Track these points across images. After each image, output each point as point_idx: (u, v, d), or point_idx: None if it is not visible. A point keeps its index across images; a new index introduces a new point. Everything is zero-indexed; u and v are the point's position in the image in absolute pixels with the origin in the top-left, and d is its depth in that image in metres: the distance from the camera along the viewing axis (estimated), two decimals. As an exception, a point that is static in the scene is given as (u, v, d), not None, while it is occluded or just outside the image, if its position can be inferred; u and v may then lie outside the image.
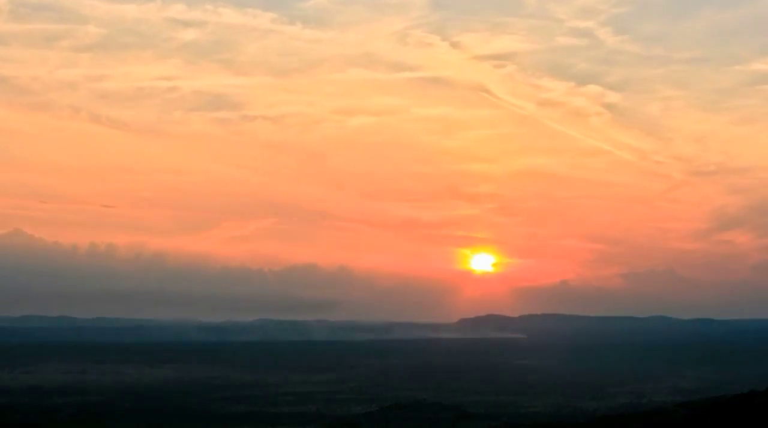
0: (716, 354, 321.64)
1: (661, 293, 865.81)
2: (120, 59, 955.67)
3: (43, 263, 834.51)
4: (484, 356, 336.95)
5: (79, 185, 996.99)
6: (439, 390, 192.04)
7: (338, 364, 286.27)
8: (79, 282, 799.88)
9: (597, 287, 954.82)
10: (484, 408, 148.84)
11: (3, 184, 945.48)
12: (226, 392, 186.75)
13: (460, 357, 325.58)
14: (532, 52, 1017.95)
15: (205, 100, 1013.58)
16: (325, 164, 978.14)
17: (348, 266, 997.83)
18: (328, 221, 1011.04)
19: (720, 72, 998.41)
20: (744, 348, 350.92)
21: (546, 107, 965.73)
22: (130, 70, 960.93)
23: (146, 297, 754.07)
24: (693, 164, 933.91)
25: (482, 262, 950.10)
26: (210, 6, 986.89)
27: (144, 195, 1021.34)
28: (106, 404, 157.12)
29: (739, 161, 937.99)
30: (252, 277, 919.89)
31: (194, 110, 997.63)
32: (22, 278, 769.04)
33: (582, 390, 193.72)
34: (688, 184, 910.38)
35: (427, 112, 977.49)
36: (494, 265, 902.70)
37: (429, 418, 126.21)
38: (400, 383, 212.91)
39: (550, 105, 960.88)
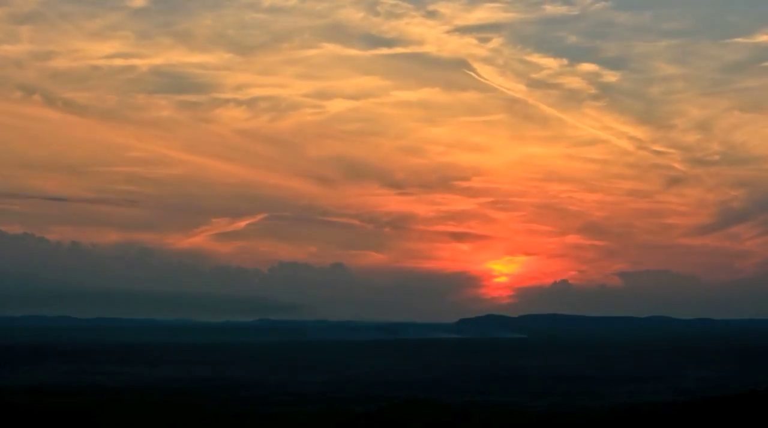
0: (716, 354, 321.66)
1: (661, 292, 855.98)
2: (64, 31, 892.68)
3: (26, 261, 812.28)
4: (485, 356, 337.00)
5: (43, 177, 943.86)
6: (438, 390, 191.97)
7: (338, 364, 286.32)
8: (67, 283, 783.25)
9: (597, 287, 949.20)
10: (484, 408, 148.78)
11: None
12: (226, 392, 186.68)
13: (460, 357, 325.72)
14: (517, 23, 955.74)
15: (166, 81, 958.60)
16: (306, 155, 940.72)
17: (344, 263, 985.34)
18: (320, 216, 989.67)
19: (720, 46, 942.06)
20: (745, 348, 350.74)
21: (538, 88, 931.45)
22: (80, 46, 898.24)
23: (141, 297, 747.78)
24: (695, 153, 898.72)
25: (481, 259, 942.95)
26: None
27: (120, 188, 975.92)
28: (105, 404, 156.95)
29: (745, 149, 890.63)
30: (248, 276, 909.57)
31: (157, 92, 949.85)
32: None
33: (582, 390, 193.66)
34: (690, 176, 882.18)
35: (409, 95, 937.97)
36: (493, 263, 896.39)
37: (428, 418, 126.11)
38: (400, 383, 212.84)
39: (542, 86, 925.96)
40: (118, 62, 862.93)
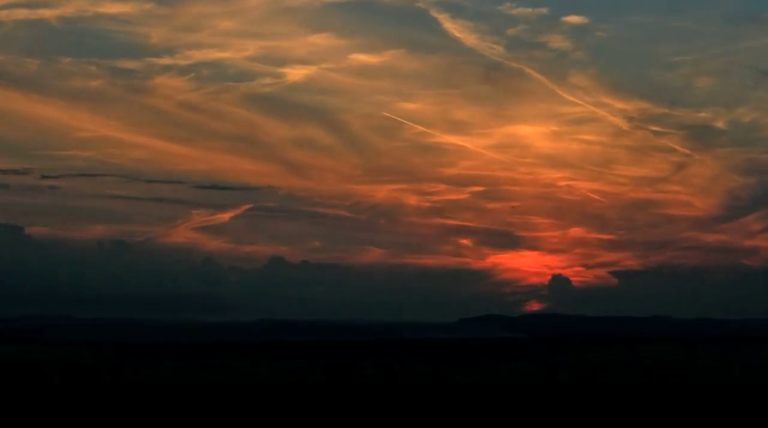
0: (717, 354, 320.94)
1: (662, 292, 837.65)
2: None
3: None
4: (484, 356, 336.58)
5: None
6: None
7: (338, 364, 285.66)
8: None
9: (597, 286, 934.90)
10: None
11: None
12: (226, 392, 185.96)
13: (460, 357, 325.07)
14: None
15: (89, 42, 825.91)
16: (269, 135, 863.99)
17: (343, 260, 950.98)
18: (306, 207, 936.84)
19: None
20: (747, 348, 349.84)
21: (517, 49, 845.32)
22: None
23: (136, 297, 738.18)
24: (697, 132, 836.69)
25: (479, 255, 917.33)
26: None
27: (83, 175, 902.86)
28: (104, 405, 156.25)
29: (755, 127, 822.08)
30: (243, 274, 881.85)
31: (82, 55, 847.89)
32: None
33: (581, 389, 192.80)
34: (693, 160, 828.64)
35: (371, 59, 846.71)
36: (492, 260, 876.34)
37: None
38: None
39: (521, 47, 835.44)
40: (22, 14, 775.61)
